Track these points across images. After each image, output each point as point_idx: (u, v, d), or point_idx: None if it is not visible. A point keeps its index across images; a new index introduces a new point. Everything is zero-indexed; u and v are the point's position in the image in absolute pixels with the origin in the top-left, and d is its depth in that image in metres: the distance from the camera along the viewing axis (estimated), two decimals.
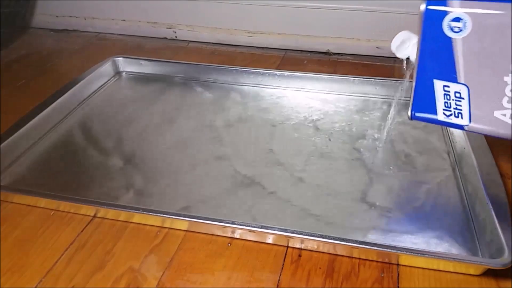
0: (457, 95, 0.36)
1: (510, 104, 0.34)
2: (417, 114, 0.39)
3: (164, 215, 0.44)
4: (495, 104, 0.35)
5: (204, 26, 0.89)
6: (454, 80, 0.35)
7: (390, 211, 0.46)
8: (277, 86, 0.69)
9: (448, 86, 0.36)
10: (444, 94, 0.36)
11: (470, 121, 0.36)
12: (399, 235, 0.43)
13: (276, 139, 0.58)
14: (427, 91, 0.37)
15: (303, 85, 0.68)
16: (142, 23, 0.92)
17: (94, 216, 0.46)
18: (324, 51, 0.84)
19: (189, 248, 0.43)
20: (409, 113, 0.40)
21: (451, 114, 0.37)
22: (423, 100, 0.38)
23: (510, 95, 0.34)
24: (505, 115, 0.35)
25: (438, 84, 0.36)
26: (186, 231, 0.44)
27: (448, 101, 0.36)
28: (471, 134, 0.53)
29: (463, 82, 0.35)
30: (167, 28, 0.91)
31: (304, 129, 0.60)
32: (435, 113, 0.38)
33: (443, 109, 0.37)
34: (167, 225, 0.45)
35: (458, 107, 0.36)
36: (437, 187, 0.49)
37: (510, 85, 0.33)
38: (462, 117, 0.36)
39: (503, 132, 0.36)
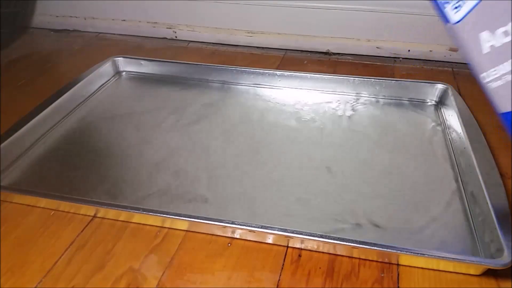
0: None
1: (502, 36, 0.32)
2: None
3: (164, 215, 0.44)
4: (489, 26, 0.33)
5: (204, 26, 0.89)
6: None
7: (390, 211, 0.46)
8: (277, 86, 0.69)
9: None
10: None
11: (458, 21, 0.34)
12: (399, 236, 0.43)
13: (276, 139, 0.58)
14: None
15: (303, 85, 0.68)
16: (142, 23, 0.92)
17: (94, 216, 0.46)
18: (324, 51, 0.84)
19: (189, 248, 0.43)
20: None
21: (452, 1, 0.34)
22: None
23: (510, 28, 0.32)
24: (489, 42, 0.33)
25: None
26: (186, 231, 0.44)
27: None
28: (471, 134, 0.53)
29: None
30: (167, 28, 0.91)
31: (305, 129, 0.60)
32: None
33: None
34: (167, 225, 0.45)
35: (462, 3, 0.33)
36: (436, 187, 0.49)
37: None
38: (456, 13, 0.34)
39: (471, 55, 0.34)
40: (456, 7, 0.34)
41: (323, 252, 0.42)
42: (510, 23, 0.32)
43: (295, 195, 0.48)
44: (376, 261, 0.41)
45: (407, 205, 0.47)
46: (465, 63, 0.86)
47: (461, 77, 0.75)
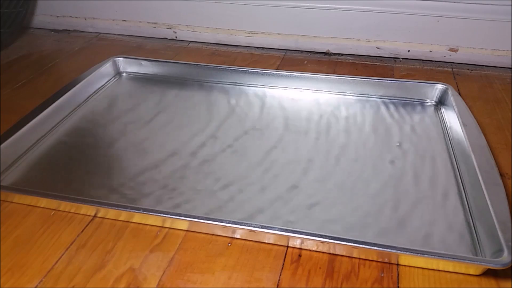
0: None
1: None
2: None
3: (164, 215, 0.44)
4: None
5: (205, 26, 0.89)
6: None
7: (389, 211, 0.46)
8: (277, 87, 0.69)
9: None
10: None
11: None
12: (399, 236, 0.43)
13: (276, 139, 0.58)
14: None
15: (303, 86, 0.68)
16: (143, 24, 0.93)
17: (95, 216, 0.47)
18: (324, 51, 0.85)
19: (189, 248, 0.43)
20: None
21: None
22: None
23: None
24: None
25: None
26: (186, 231, 0.44)
27: None
28: (471, 134, 0.53)
29: None
30: (167, 28, 0.91)
31: (304, 129, 0.60)
32: None
33: None
34: (167, 225, 0.45)
35: None
36: (436, 187, 0.49)
37: None
38: None
39: None
40: None
41: (323, 252, 0.42)
42: None
43: (295, 195, 0.48)
44: (376, 261, 0.41)
45: (406, 205, 0.47)
46: (465, 63, 0.87)
47: (461, 77, 0.75)
